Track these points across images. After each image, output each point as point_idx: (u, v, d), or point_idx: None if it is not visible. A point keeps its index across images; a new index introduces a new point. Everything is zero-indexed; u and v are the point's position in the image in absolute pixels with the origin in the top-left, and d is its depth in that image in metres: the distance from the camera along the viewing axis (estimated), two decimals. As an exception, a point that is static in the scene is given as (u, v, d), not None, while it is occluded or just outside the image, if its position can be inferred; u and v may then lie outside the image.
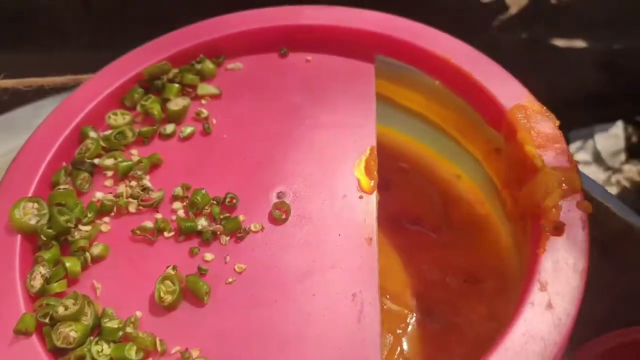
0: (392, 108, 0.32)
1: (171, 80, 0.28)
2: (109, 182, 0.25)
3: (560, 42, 1.35)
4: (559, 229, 0.20)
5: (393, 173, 0.32)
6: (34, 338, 0.20)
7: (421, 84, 0.30)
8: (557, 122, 0.24)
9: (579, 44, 1.27)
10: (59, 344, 0.19)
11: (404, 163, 0.32)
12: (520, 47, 1.42)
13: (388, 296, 0.27)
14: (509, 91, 0.25)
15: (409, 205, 0.31)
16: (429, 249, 0.29)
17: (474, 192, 0.31)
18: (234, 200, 0.24)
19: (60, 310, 0.20)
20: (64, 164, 0.25)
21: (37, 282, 0.21)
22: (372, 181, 0.25)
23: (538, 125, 0.24)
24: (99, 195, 0.24)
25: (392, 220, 0.30)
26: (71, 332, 0.19)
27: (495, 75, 0.26)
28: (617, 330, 0.29)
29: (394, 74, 0.30)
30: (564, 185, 0.21)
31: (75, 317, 0.20)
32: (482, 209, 0.30)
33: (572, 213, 0.21)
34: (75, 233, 0.23)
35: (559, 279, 0.20)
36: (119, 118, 0.27)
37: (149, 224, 0.23)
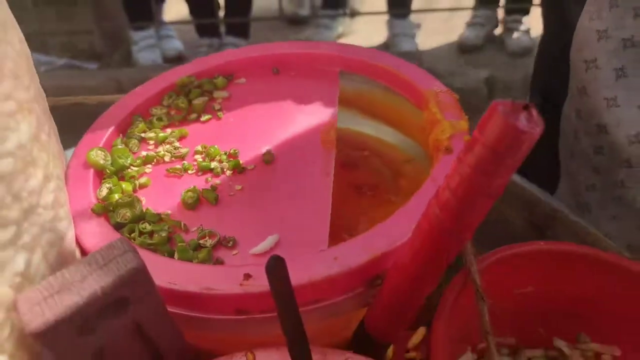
0: (356, 112, 0.45)
1: (195, 87, 0.41)
2: (151, 147, 0.37)
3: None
4: (449, 150, 0.32)
5: (358, 158, 0.44)
6: (103, 218, 0.31)
7: (373, 91, 0.42)
8: (456, 97, 0.36)
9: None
10: (118, 220, 0.30)
11: (366, 151, 0.44)
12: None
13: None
14: (426, 81, 0.38)
15: (369, 178, 0.42)
16: (382, 205, 0.40)
17: (419, 170, 0.42)
18: (236, 152, 0.36)
19: (120, 199, 0.31)
20: (121, 135, 0.38)
21: (104, 192, 0.32)
22: (330, 143, 0.36)
23: (442, 98, 0.36)
24: (143, 153, 0.36)
25: (355, 188, 0.42)
26: (126, 212, 0.30)
27: (419, 73, 0.39)
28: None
29: (355, 86, 0.43)
30: (454, 128, 0.33)
31: (129, 204, 0.31)
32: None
33: (459, 142, 0.33)
34: (129, 170, 0.35)
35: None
36: (158, 110, 0.40)
37: (178, 166, 0.35)
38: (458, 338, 0.32)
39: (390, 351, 0.30)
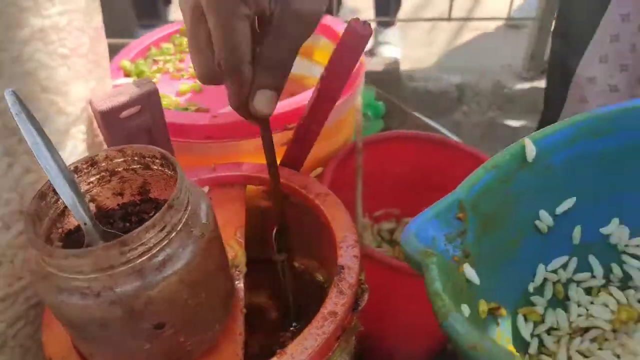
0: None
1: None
2: (160, 65, 0.58)
3: (512, 123, 1.72)
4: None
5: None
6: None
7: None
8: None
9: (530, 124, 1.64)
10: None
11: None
12: (480, 126, 1.80)
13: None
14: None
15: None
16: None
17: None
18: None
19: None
20: (140, 58, 0.58)
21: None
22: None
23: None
24: (155, 67, 0.57)
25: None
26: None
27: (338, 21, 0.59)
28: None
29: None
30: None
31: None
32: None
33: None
34: (146, 74, 0.55)
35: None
36: (167, 44, 0.60)
37: (177, 74, 0.55)
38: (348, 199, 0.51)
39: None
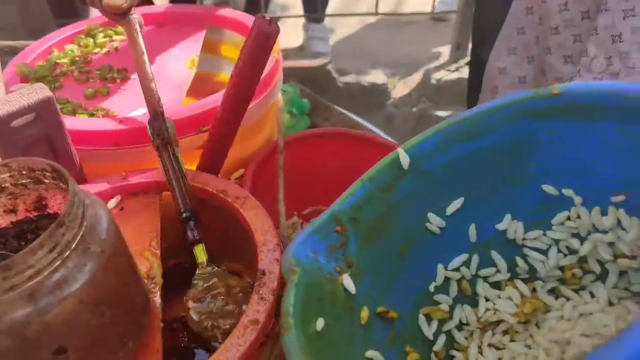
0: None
1: (100, 32, 0.58)
2: (64, 68, 0.54)
3: (442, 113, 1.77)
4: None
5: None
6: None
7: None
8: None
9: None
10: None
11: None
12: (411, 118, 1.83)
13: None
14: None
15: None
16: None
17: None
18: (125, 68, 0.53)
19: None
20: (41, 61, 0.54)
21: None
22: (194, 64, 0.54)
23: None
24: (58, 70, 0.53)
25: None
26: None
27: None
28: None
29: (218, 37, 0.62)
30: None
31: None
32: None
33: (272, 58, 0.51)
34: (47, 79, 0.51)
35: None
36: (71, 46, 0.57)
37: (84, 77, 0.52)
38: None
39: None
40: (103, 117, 0.47)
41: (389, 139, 0.63)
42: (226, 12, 0.61)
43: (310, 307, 0.27)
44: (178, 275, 0.41)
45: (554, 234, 0.32)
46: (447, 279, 0.32)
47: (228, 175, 0.49)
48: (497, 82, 0.58)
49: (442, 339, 0.30)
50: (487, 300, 0.31)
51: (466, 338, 0.31)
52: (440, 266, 0.32)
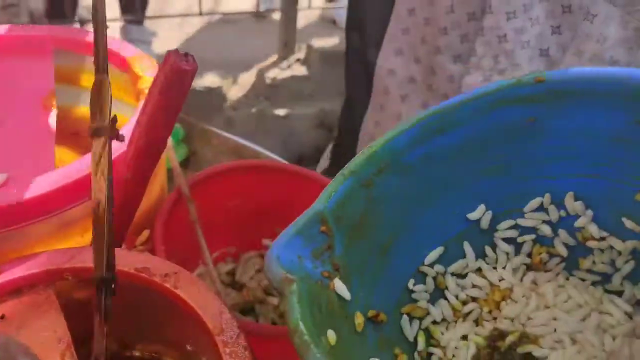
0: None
1: None
2: None
3: (281, 112, 1.75)
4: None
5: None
6: None
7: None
8: (154, 61, 0.47)
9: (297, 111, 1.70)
10: None
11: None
12: (251, 119, 1.79)
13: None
14: (129, 50, 0.47)
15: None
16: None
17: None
18: None
19: None
20: None
21: None
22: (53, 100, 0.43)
23: (144, 62, 0.46)
24: None
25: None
26: None
27: (121, 43, 0.48)
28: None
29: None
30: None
31: None
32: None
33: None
34: None
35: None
36: None
37: None
38: (184, 255, 0.42)
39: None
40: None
41: (282, 160, 0.59)
42: (72, 32, 0.50)
43: (316, 319, 0.24)
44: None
45: (526, 222, 0.32)
46: (424, 275, 0.32)
47: (131, 244, 0.40)
48: (387, 82, 0.58)
49: (422, 337, 0.30)
50: (457, 293, 0.31)
51: (442, 333, 0.30)
52: (417, 261, 0.31)
